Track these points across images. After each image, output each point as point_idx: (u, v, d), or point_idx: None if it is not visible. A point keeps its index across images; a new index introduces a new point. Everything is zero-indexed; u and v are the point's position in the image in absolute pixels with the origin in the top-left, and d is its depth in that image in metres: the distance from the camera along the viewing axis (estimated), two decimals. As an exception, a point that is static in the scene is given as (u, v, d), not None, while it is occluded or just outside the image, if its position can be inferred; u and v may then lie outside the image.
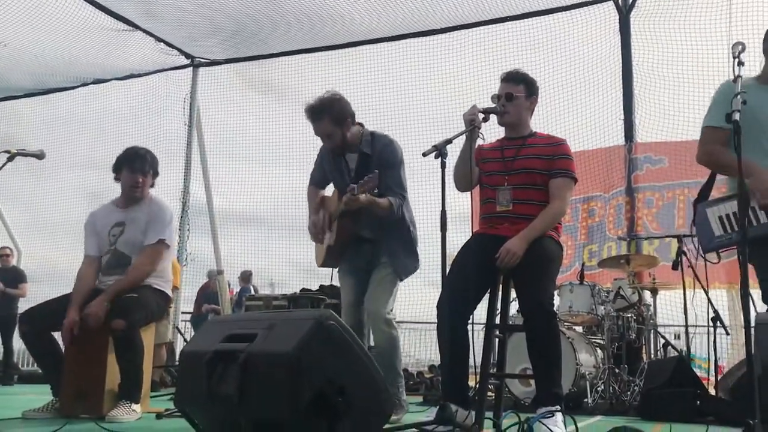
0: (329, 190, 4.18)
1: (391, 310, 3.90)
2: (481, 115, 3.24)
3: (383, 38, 9.04)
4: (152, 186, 4.18)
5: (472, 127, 3.21)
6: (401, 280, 3.98)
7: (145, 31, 9.02)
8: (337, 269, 4.13)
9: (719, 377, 5.07)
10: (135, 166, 4.02)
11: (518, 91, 3.43)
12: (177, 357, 6.99)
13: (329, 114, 3.81)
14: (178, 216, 9.79)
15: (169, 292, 4.18)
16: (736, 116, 2.57)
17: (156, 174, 4.15)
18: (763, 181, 3.05)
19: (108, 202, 4.22)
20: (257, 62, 9.93)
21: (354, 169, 3.93)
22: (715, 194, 3.29)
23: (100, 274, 4.04)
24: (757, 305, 3.03)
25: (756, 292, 2.99)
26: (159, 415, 3.77)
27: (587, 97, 8.16)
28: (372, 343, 4.03)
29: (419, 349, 10.92)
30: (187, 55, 9.98)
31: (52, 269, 10.12)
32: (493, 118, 3.36)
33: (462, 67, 8.78)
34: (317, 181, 4.19)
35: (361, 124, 4.00)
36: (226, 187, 10.35)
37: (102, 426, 3.12)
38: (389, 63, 9.28)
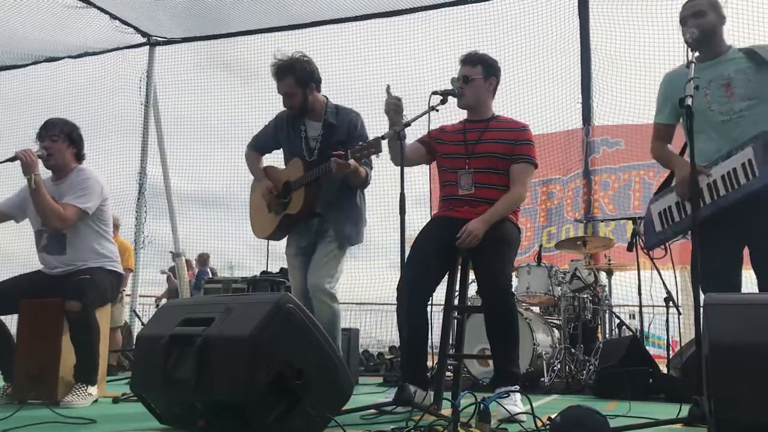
0: (267, 158, 4.13)
1: (335, 285, 3.83)
2: (438, 98, 3.25)
3: (346, 18, 8.96)
4: (81, 158, 4.01)
5: (431, 109, 3.22)
6: (343, 249, 3.87)
7: (99, 8, 8.77)
8: (285, 250, 4.02)
9: (671, 356, 5.21)
10: (41, 134, 3.89)
11: (475, 73, 3.45)
12: (134, 341, 6.90)
13: (293, 73, 3.77)
14: (135, 197, 9.63)
15: (121, 271, 4.11)
16: (689, 101, 2.62)
17: (73, 140, 3.95)
18: (680, 172, 3.18)
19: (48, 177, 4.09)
20: (217, 41, 9.76)
21: (317, 138, 3.88)
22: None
23: (44, 254, 3.92)
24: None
25: None
26: (115, 400, 3.72)
27: (546, 80, 8.22)
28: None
29: (380, 330, 10.98)
30: (144, 34, 9.75)
31: (2, 253, 9.90)
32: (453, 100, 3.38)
33: (423, 49, 8.76)
34: (261, 146, 4.11)
35: (326, 97, 3.95)
36: (184, 168, 10.17)
37: (56, 412, 3.06)
38: (351, 43, 9.20)
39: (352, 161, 3.49)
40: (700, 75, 2.96)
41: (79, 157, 4.01)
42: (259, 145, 4.11)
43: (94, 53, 9.96)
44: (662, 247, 3.43)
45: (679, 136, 3.43)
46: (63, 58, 10.04)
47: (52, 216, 3.72)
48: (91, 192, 3.85)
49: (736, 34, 6.23)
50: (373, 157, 3.53)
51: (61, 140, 3.90)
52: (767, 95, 3.12)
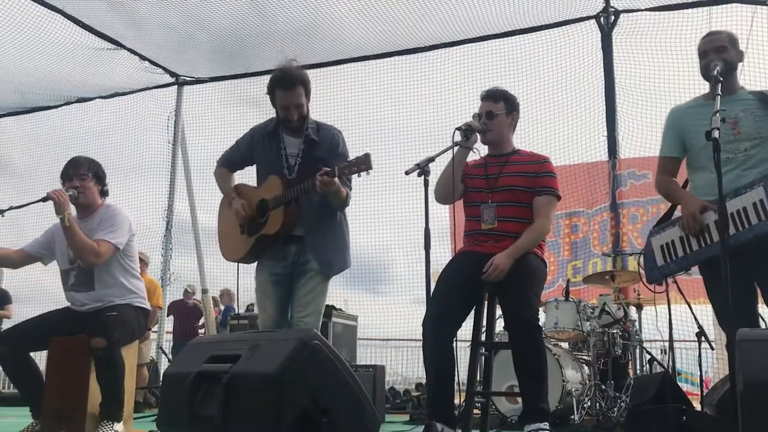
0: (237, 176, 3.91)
1: (320, 322, 3.61)
2: (459, 134, 3.28)
3: (370, 56, 9.09)
4: (105, 194, 4.09)
5: (455, 144, 3.24)
6: (328, 278, 3.63)
7: (129, 49, 9.00)
8: (255, 276, 3.73)
9: (705, 392, 5.08)
10: (69, 174, 3.97)
11: (498, 108, 3.48)
12: (161, 377, 6.92)
13: (303, 85, 3.57)
14: (162, 234, 9.73)
15: (148, 307, 4.13)
16: (715, 134, 2.61)
17: (99, 178, 4.03)
18: (686, 207, 3.18)
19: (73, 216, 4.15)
20: (243, 80, 9.94)
21: (297, 154, 3.62)
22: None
23: (72, 293, 3.97)
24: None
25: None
26: (142, 437, 3.73)
27: (570, 113, 8.23)
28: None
29: (406, 366, 10.88)
30: (172, 74, 9.97)
31: (37, 289, 10.01)
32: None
33: (447, 86, 8.84)
34: (233, 162, 3.86)
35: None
36: (211, 204, 10.30)
37: (83, 449, 3.07)
38: (375, 80, 9.32)
39: (336, 179, 3.30)
40: (708, 112, 2.97)
41: (104, 193, 4.10)
42: (229, 161, 3.87)
43: (124, 93, 10.20)
44: (664, 281, 3.42)
45: (682, 172, 3.44)
46: (94, 98, 10.30)
47: (88, 252, 3.78)
48: (120, 227, 3.91)
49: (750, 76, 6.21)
50: (363, 174, 3.31)
51: (89, 178, 3.98)
52: None
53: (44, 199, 3.76)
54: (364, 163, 3.25)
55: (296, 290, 3.58)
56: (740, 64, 3.30)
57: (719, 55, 3.18)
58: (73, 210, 3.98)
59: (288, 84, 3.53)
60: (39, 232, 4.18)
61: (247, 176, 3.93)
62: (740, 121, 3.19)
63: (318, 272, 3.56)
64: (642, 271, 3.48)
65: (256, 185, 3.76)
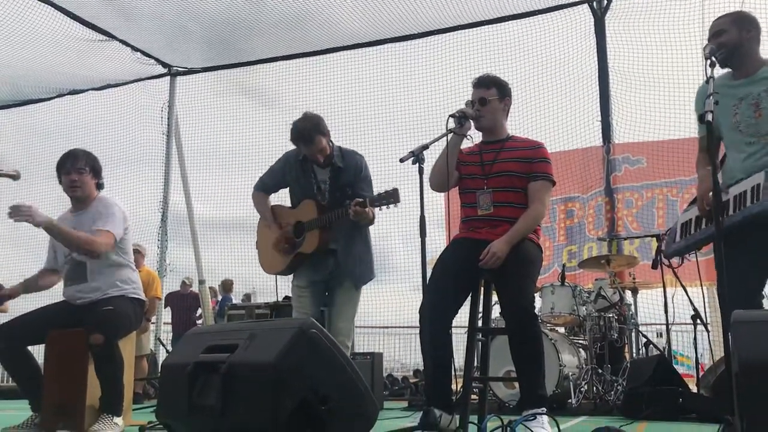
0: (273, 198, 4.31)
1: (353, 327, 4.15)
2: (453, 121, 3.29)
3: (362, 44, 9.06)
4: (101, 187, 4.09)
5: (449, 132, 3.24)
6: (359, 290, 4.14)
7: (120, 40, 8.95)
8: (293, 281, 4.17)
9: (700, 374, 5.12)
10: (66, 167, 3.96)
11: (491, 94, 3.48)
12: (159, 368, 6.93)
13: (319, 132, 3.94)
14: (157, 226, 9.72)
15: (144, 298, 4.13)
16: (709, 117, 2.60)
17: (96, 172, 4.04)
18: (699, 187, 3.21)
19: (67, 209, 4.15)
20: (236, 69, 9.90)
21: (326, 181, 4.05)
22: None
23: (64, 287, 3.98)
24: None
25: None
26: (142, 428, 3.73)
27: (564, 99, 8.22)
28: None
29: (404, 353, 10.93)
30: (164, 64, 9.92)
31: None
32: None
33: (440, 73, 8.82)
34: (268, 187, 4.27)
35: (331, 141, 4.09)
36: (206, 194, 10.29)
37: (83, 441, 3.08)
38: (368, 68, 9.29)
39: (368, 209, 3.71)
40: (732, 92, 2.95)
41: (99, 186, 4.09)
42: (266, 187, 4.28)
43: (117, 85, 10.15)
44: (679, 259, 3.43)
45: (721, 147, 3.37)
46: (87, 90, 10.25)
47: (82, 244, 3.77)
48: (115, 218, 3.90)
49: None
50: (392, 206, 3.72)
51: (86, 172, 3.97)
52: None
53: (15, 219, 3.69)
54: (393, 197, 3.67)
55: (333, 299, 4.10)
56: (759, 42, 3.18)
57: (716, 40, 3.14)
58: (60, 210, 3.98)
59: (307, 140, 3.93)
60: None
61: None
62: (762, 102, 3.07)
63: (351, 284, 4.07)
64: (661, 248, 3.49)
65: (291, 206, 4.21)
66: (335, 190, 4.00)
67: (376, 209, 3.87)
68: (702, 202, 3.15)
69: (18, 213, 3.66)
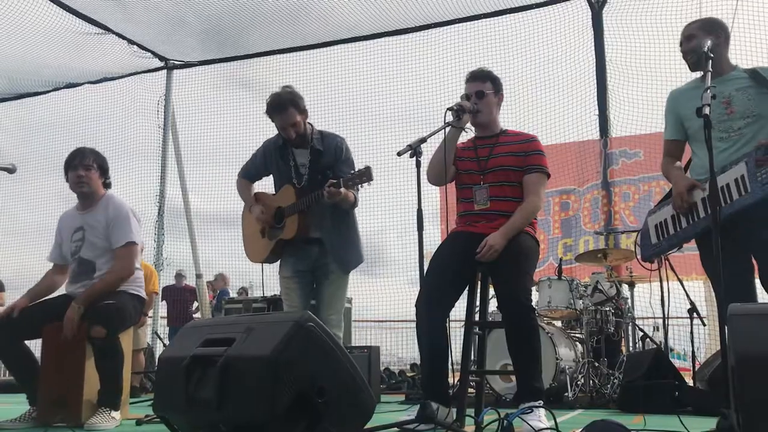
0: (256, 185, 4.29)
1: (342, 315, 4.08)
2: (451, 114, 3.28)
3: (359, 37, 9.04)
4: (108, 186, 4.12)
5: (447, 125, 3.24)
6: (347, 273, 4.04)
7: (117, 33, 8.92)
8: (279, 273, 4.09)
9: (697, 368, 5.13)
10: (74, 163, 3.98)
11: (487, 88, 3.49)
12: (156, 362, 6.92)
13: (293, 104, 3.90)
14: (154, 220, 9.70)
15: (144, 295, 4.14)
16: (706, 110, 2.64)
17: (103, 170, 4.07)
18: (676, 187, 3.28)
19: (73, 206, 4.16)
20: (232, 63, 9.87)
21: (305, 164, 3.99)
22: None
23: (68, 284, 4.00)
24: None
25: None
26: (139, 422, 3.73)
27: (561, 92, 8.21)
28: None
29: (401, 347, 10.95)
30: (161, 58, 9.89)
31: (30, 276, 9.99)
32: None
33: (437, 66, 8.81)
34: (251, 175, 4.25)
35: (310, 124, 4.05)
36: (203, 188, 10.27)
37: (80, 434, 3.08)
38: (366, 62, 9.27)
39: (343, 189, 3.67)
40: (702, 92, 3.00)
41: (106, 185, 4.12)
42: (248, 174, 4.25)
43: (113, 78, 10.12)
44: (657, 259, 3.52)
45: (685, 151, 3.52)
46: (83, 83, 10.23)
47: (117, 283, 3.85)
48: (131, 224, 3.95)
49: (740, 54, 6.21)
50: (365, 185, 3.68)
51: (93, 169, 4.00)
52: (765, 114, 3.20)
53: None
54: (365, 175, 3.63)
55: (321, 290, 4.00)
56: (727, 45, 3.38)
57: (687, 44, 3.34)
58: (57, 204, 3.98)
59: (280, 108, 3.88)
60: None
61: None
62: (733, 100, 3.24)
63: (338, 271, 3.97)
64: (638, 249, 3.55)
65: (274, 193, 4.16)
66: (316, 173, 3.93)
67: (354, 191, 3.84)
68: (680, 200, 3.24)
69: (67, 332, 3.69)
